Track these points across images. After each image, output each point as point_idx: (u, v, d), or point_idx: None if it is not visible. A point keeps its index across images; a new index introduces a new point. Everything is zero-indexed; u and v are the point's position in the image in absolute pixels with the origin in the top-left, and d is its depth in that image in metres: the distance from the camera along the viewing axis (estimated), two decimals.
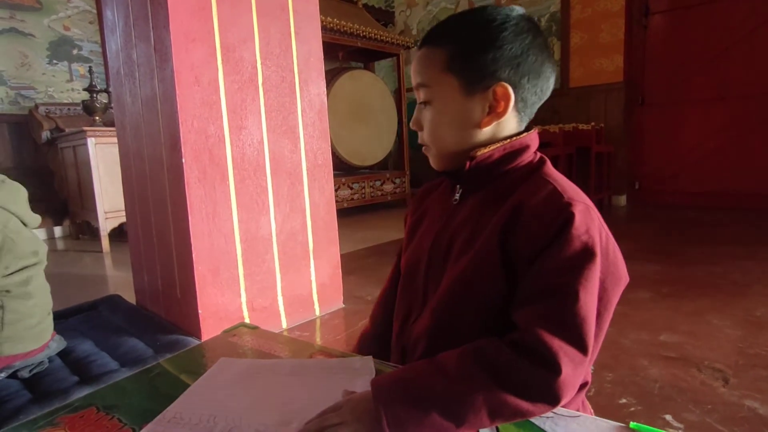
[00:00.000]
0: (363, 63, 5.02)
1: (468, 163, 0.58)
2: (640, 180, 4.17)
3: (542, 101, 0.61)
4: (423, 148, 0.63)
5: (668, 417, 1.04)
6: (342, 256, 1.91)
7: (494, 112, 0.57)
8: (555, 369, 0.44)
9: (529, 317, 0.48)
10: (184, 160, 1.36)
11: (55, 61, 3.93)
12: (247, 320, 1.54)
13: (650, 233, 3.05)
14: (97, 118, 3.35)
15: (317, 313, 1.77)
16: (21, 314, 1.11)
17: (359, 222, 3.87)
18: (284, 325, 1.66)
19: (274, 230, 1.61)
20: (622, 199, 4.20)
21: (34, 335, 1.14)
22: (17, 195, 1.14)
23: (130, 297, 1.83)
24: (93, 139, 3.01)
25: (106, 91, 3.50)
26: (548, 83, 0.60)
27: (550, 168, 0.59)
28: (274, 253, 1.62)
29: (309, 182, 1.72)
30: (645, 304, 1.74)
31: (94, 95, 3.35)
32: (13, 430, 0.51)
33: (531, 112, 0.61)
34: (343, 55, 4.55)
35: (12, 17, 3.70)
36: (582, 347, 0.46)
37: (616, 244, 0.54)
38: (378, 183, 4.42)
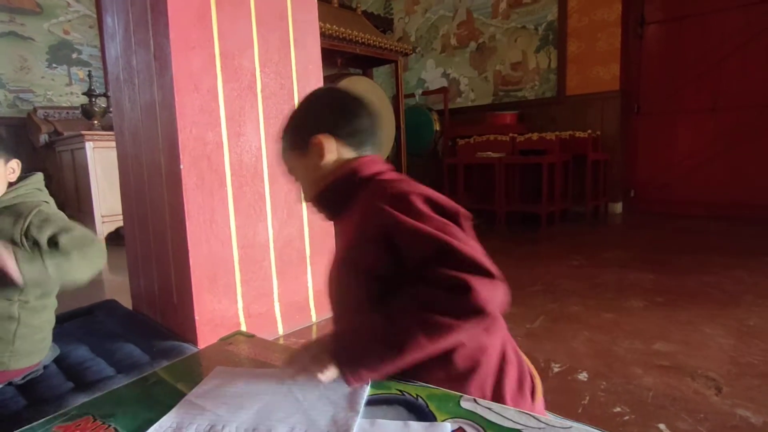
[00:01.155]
0: (361, 69, 5.04)
1: (323, 194, 0.74)
2: (636, 188, 4.20)
3: (370, 128, 0.76)
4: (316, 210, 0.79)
5: (662, 426, 1.05)
6: None
7: (320, 155, 0.72)
8: (466, 286, 0.53)
9: (430, 270, 0.57)
10: (182, 167, 1.37)
11: (54, 65, 3.94)
12: (243, 327, 1.54)
13: (644, 242, 3.07)
14: (95, 122, 3.35)
15: (314, 319, 1.77)
16: (32, 329, 1.10)
17: None
18: (280, 331, 1.66)
19: (272, 237, 1.61)
20: (618, 207, 4.22)
21: (38, 350, 1.13)
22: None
23: (126, 302, 1.83)
24: (91, 143, 3.02)
25: (105, 95, 3.51)
26: (363, 115, 0.75)
27: (385, 174, 0.72)
28: (271, 259, 1.62)
29: None
30: (639, 313, 1.76)
31: (93, 99, 3.36)
32: None
33: (365, 139, 0.75)
34: (341, 61, 4.57)
35: (12, 21, 3.71)
36: (483, 272, 0.55)
37: (438, 194, 0.67)
38: None
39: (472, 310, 0.53)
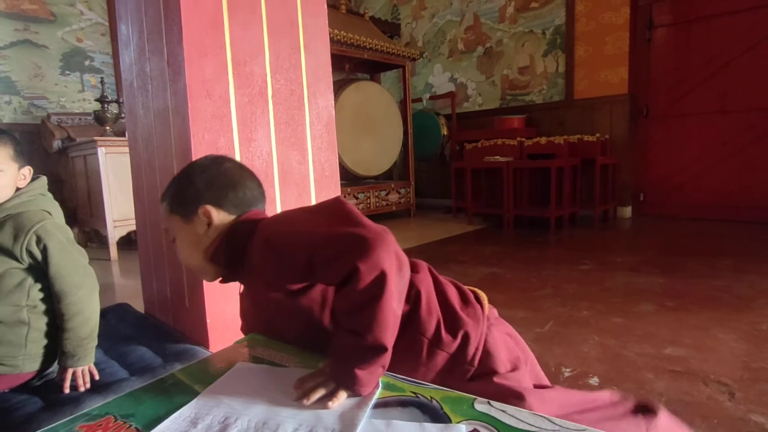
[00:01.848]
0: (369, 74, 5.08)
1: (216, 259, 0.76)
2: (645, 191, 4.18)
3: (253, 196, 0.81)
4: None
5: None
6: None
7: (207, 224, 0.76)
8: (354, 268, 0.57)
9: (324, 273, 0.63)
10: None
11: (67, 72, 4.01)
12: None
13: (654, 245, 3.05)
14: (107, 128, 3.40)
15: None
16: (43, 332, 1.12)
17: None
18: None
19: None
20: (627, 211, 4.20)
21: (52, 352, 1.15)
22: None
23: (138, 305, 1.85)
24: (103, 148, 3.06)
25: (117, 101, 3.56)
26: (248, 185, 0.81)
27: (263, 222, 0.75)
28: None
29: (316, 193, 1.74)
30: (649, 317, 1.75)
31: (105, 106, 3.41)
32: None
33: (249, 205, 0.80)
34: (349, 66, 4.61)
35: (26, 29, 3.79)
36: (358, 241, 0.59)
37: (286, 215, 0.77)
38: (383, 193, 4.44)
39: (377, 280, 0.57)
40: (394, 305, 0.59)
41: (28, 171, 1.13)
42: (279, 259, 0.66)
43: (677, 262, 2.55)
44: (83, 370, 1.11)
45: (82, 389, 1.09)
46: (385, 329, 0.58)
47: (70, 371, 1.09)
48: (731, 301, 1.88)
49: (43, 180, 1.19)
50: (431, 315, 0.69)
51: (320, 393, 0.58)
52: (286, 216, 0.74)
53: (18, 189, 1.12)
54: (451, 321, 0.70)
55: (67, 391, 1.08)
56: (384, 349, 0.58)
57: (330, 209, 0.69)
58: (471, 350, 0.70)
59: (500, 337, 0.74)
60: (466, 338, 0.70)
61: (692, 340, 1.52)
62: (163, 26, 1.44)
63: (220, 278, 0.80)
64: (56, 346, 1.17)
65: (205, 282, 1.42)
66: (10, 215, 1.08)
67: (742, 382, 1.24)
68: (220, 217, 0.76)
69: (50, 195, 1.19)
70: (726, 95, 3.68)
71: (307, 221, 0.68)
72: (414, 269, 0.73)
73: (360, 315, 0.58)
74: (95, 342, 1.15)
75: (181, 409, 0.55)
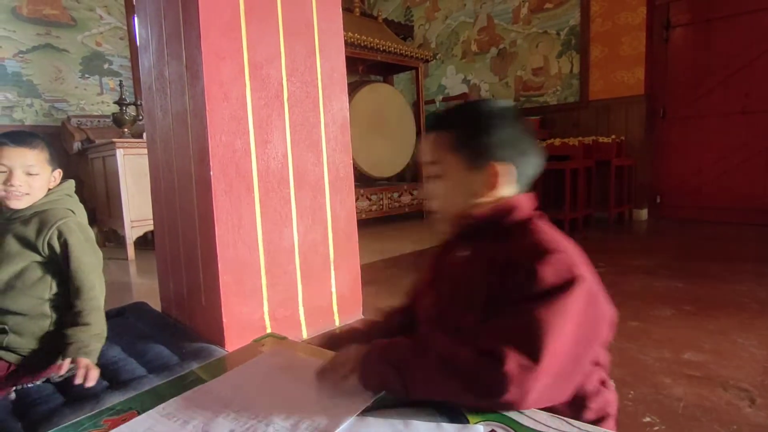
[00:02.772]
0: (382, 76, 5.09)
1: (467, 221, 0.69)
2: (662, 194, 4.11)
3: (535, 174, 0.70)
4: (431, 213, 0.74)
5: None
6: (360, 267, 1.93)
7: (491, 185, 0.67)
8: (498, 363, 0.50)
9: (493, 329, 0.56)
10: (212, 173, 1.41)
11: (87, 75, 4.10)
12: (268, 329, 1.57)
13: (672, 248, 3.00)
14: (125, 130, 3.47)
15: (337, 323, 1.79)
16: (59, 326, 1.16)
17: (376, 233, 3.89)
18: (304, 335, 1.69)
19: (297, 241, 1.64)
20: (643, 213, 4.14)
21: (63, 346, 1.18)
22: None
23: (155, 304, 1.88)
24: (121, 150, 3.12)
25: (135, 104, 3.63)
26: (537, 158, 0.69)
27: (539, 224, 0.65)
28: (296, 263, 1.65)
29: (331, 195, 1.75)
30: (667, 322, 1.72)
31: (124, 108, 3.47)
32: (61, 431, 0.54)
33: (526, 181, 0.69)
34: (363, 68, 4.63)
35: (48, 33, 3.88)
36: (532, 354, 0.51)
37: (597, 285, 0.64)
38: (396, 195, 4.45)
39: (492, 389, 0.51)
40: (461, 399, 0.54)
41: (58, 173, 1.20)
42: (501, 277, 0.59)
43: (695, 265, 2.51)
44: (91, 365, 1.09)
45: (91, 383, 1.07)
46: (436, 395, 0.55)
47: (83, 362, 1.07)
48: (752, 306, 1.84)
49: (71, 183, 1.25)
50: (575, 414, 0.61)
51: (333, 378, 0.60)
52: (558, 257, 0.59)
53: (49, 190, 1.18)
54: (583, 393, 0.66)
55: (88, 383, 1.06)
56: (416, 398, 0.56)
57: (561, 294, 0.56)
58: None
59: None
60: (580, 405, 0.65)
61: (711, 345, 1.50)
62: (182, 31, 1.46)
63: (448, 236, 0.73)
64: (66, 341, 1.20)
65: (221, 282, 1.44)
66: (37, 212, 1.14)
67: (763, 387, 1.22)
68: (504, 183, 0.66)
69: (76, 197, 1.25)
70: (747, 96, 3.61)
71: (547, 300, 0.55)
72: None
73: (453, 374, 0.53)
74: (103, 342, 1.16)
75: (199, 386, 0.60)
